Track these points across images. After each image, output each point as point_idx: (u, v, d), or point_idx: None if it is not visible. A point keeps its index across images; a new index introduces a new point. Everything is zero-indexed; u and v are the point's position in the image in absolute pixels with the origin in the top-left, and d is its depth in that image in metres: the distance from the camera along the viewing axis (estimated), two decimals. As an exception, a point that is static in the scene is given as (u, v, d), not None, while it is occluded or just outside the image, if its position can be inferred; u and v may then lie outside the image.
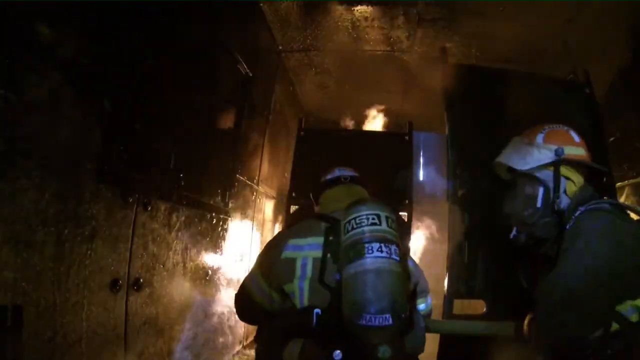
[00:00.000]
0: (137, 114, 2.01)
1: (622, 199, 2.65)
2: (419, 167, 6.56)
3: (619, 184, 2.49)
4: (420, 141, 6.29)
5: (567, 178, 1.62)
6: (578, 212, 1.51)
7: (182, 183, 2.52)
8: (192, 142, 2.64)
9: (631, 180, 2.72)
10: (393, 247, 1.26)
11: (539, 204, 1.62)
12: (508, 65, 3.41)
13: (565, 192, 1.62)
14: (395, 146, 3.22)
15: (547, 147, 1.62)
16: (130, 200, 1.99)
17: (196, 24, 2.57)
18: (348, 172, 1.78)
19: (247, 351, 3.82)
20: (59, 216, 1.54)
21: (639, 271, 1.36)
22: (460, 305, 2.24)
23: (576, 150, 1.64)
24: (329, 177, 1.77)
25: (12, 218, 1.35)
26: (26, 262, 1.41)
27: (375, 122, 5.31)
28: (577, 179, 1.63)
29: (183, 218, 2.53)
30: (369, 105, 5.30)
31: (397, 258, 1.26)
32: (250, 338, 4.03)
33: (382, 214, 1.31)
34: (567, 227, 1.52)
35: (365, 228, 1.28)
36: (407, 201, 3.06)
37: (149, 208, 2.16)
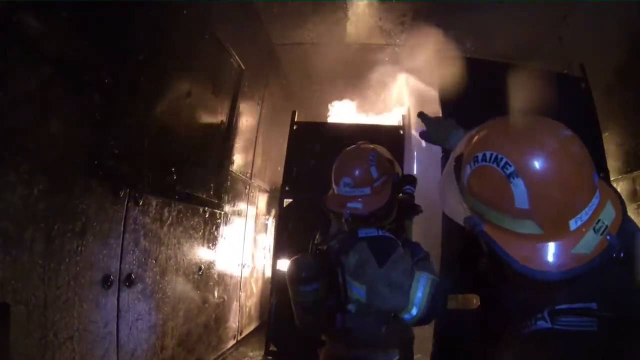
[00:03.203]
0: (128, 108, 1.97)
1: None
2: (413, 160, 6.53)
3: (613, 178, 2.51)
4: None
5: None
6: None
7: (174, 177, 2.49)
8: (184, 136, 2.61)
9: (625, 175, 2.73)
10: None
11: None
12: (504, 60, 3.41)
13: None
14: (389, 140, 3.20)
15: None
16: (121, 195, 1.96)
17: (189, 16, 2.52)
18: (354, 204, 1.66)
19: (241, 347, 3.81)
20: (49, 212, 1.51)
21: None
22: (455, 300, 2.23)
23: None
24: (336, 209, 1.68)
25: (-1, 214, 1.32)
26: (15, 259, 1.37)
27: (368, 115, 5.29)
28: None
29: (175, 213, 2.51)
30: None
31: None
32: (245, 333, 4.02)
33: None
34: None
35: None
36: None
37: (140, 203, 2.13)
